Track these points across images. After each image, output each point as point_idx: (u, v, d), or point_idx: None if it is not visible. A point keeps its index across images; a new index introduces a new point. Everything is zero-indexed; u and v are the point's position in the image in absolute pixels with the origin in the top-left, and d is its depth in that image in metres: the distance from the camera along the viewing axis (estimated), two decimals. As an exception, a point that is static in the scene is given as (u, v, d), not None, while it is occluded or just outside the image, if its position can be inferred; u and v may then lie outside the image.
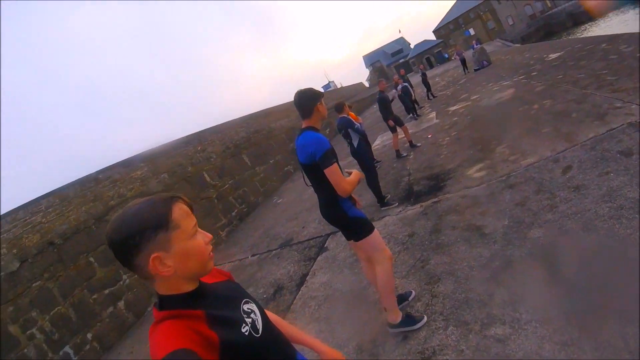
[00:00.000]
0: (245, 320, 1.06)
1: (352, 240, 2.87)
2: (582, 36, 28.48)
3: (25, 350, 5.45)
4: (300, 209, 8.38)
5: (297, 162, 2.77)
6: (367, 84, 67.49)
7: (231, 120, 13.00)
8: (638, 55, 7.29)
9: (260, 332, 1.08)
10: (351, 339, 3.17)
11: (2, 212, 6.05)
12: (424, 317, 2.94)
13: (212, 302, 1.04)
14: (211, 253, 1.06)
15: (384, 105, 8.76)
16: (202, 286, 1.05)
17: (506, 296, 2.70)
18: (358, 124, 6.35)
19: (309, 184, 2.82)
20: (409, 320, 2.92)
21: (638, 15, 28.69)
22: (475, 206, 4.38)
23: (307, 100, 2.65)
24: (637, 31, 10.70)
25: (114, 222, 0.93)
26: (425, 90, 18.01)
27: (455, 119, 10.11)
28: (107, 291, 6.68)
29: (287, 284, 4.97)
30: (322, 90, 2.80)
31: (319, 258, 5.27)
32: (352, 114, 7.53)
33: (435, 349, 2.59)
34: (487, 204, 4.27)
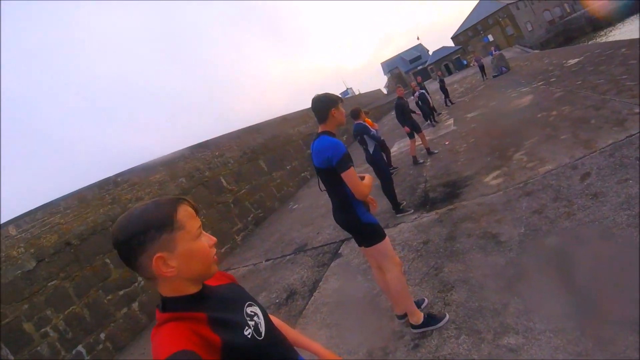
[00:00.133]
0: (248, 323, 1.06)
1: (364, 246, 2.87)
2: (601, 41, 28.03)
3: (39, 348, 5.54)
4: (316, 215, 8.38)
5: (313, 168, 2.79)
6: (385, 91, 67.41)
7: (249, 126, 13.08)
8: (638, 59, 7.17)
9: (263, 335, 1.08)
10: (362, 346, 3.15)
11: (21, 213, 6.19)
12: (446, 315, 2.92)
13: (215, 304, 1.04)
14: (215, 256, 1.06)
15: (401, 111, 8.74)
16: (205, 289, 1.06)
17: (520, 305, 2.65)
18: (374, 131, 6.35)
19: (323, 188, 2.84)
20: (431, 319, 2.91)
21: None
22: (491, 214, 4.32)
23: (322, 105, 2.68)
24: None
25: (119, 221, 0.94)
26: (443, 96, 17.90)
27: (473, 125, 10.02)
28: (121, 292, 6.77)
29: (300, 289, 4.97)
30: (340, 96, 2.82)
31: (332, 264, 5.25)
32: (369, 120, 7.53)
33: (447, 357, 2.55)
34: (503, 212, 4.21)
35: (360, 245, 2.94)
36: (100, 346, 6.10)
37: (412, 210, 5.71)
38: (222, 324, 0.98)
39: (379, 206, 6.19)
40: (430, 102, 13.45)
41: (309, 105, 2.82)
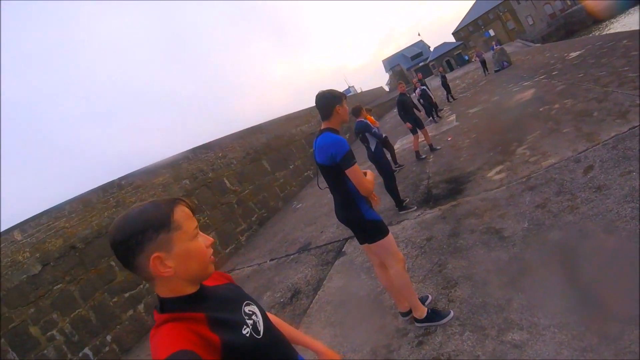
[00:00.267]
0: (246, 322, 1.06)
1: (366, 244, 2.86)
2: (603, 33, 27.88)
3: (45, 351, 5.58)
4: (319, 214, 8.38)
5: (315, 165, 2.79)
6: (387, 88, 67.33)
7: (251, 127, 13.09)
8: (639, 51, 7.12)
9: (261, 333, 1.08)
10: (365, 344, 3.15)
11: (26, 218, 6.23)
12: (450, 312, 2.91)
13: (213, 304, 1.05)
14: (212, 256, 1.07)
15: (403, 107, 8.72)
16: (203, 289, 1.06)
17: (524, 301, 2.64)
18: (375, 128, 6.33)
19: (322, 186, 2.83)
20: (435, 315, 2.91)
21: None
22: (494, 209, 4.30)
23: (326, 101, 2.67)
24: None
25: (117, 222, 0.95)
26: (445, 93, 17.86)
27: (475, 121, 9.99)
28: (127, 294, 6.80)
29: (304, 288, 4.97)
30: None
31: (336, 262, 5.25)
32: (371, 117, 7.52)
33: (451, 354, 2.54)
34: (506, 207, 4.19)
35: (362, 243, 2.94)
36: (107, 348, 6.14)
37: (415, 207, 5.69)
38: (220, 323, 0.99)
39: (382, 204, 6.19)
40: (432, 98, 13.42)
41: (311, 104, 2.81)
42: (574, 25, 50.04)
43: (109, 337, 6.22)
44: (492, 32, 69.95)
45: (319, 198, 9.92)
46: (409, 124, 8.64)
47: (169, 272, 0.95)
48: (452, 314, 2.88)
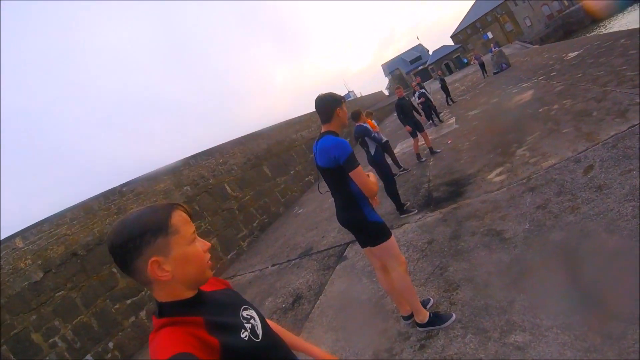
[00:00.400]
0: (244, 326, 1.07)
1: (368, 247, 2.85)
2: (600, 33, 27.94)
3: (47, 358, 5.59)
4: (321, 219, 8.37)
5: (316, 169, 2.78)
6: (386, 93, 67.43)
7: (252, 133, 13.11)
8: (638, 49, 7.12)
9: (260, 337, 1.09)
10: (368, 348, 3.13)
11: (28, 225, 6.24)
12: (452, 314, 2.89)
13: (211, 308, 1.05)
14: (209, 261, 1.07)
15: (402, 110, 8.74)
16: (201, 294, 1.06)
17: (526, 302, 2.62)
18: (375, 132, 6.33)
19: (323, 191, 2.82)
20: (437, 318, 2.89)
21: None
22: (495, 211, 4.29)
23: (327, 104, 2.67)
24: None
25: (115, 226, 0.96)
26: (444, 96, 17.88)
27: (475, 123, 9.98)
28: (129, 301, 6.80)
29: (306, 293, 4.95)
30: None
31: (337, 267, 5.24)
32: (371, 122, 7.52)
33: (453, 357, 2.52)
34: (507, 208, 4.18)
35: (364, 246, 2.92)
36: (109, 355, 6.13)
37: (416, 211, 5.68)
38: (219, 327, 0.99)
39: (383, 207, 6.20)
40: (432, 101, 13.43)
41: (311, 109, 2.81)
42: (572, 25, 50.16)
43: (111, 344, 6.22)
44: (490, 35, 70.22)
45: (320, 203, 9.92)
46: (408, 127, 8.65)
47: (166, 276, 0.95)
48: (454, 316, 2.87)
